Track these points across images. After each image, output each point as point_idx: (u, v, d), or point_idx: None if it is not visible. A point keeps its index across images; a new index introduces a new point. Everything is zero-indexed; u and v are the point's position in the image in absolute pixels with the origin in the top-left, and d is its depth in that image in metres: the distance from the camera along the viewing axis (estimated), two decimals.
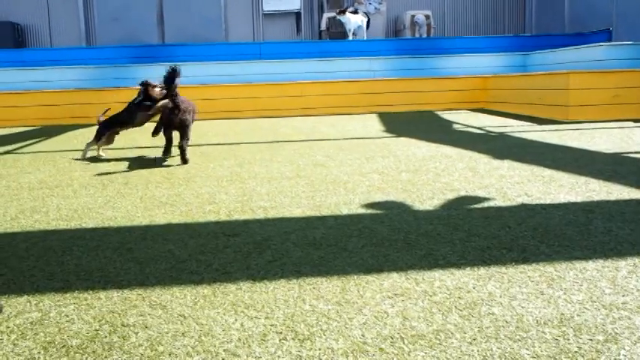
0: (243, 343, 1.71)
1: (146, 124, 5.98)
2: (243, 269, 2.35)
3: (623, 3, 12.14)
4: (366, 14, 14.34)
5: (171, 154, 5.54)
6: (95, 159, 5.67)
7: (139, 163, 5.34)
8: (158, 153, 5.76)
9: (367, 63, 12.07)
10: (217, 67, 11.81)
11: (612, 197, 3.41)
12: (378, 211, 3.25)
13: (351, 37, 13.61)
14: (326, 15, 15.42)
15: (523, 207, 3.24)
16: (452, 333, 1.73)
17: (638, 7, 12.06)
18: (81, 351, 1.69)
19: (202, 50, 13.03)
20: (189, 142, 5.35)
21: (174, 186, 4.17)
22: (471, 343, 1.66)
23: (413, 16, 15.61)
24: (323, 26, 15.44)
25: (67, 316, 1.93)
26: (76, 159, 5.73)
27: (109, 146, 6.07)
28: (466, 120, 8.95)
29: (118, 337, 1.78)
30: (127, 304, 2.02)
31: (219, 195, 3.82)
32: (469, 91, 11.47)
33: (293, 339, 1.73)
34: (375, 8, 15.73)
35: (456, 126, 8.18)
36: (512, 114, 9.68)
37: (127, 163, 5.33)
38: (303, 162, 5.10)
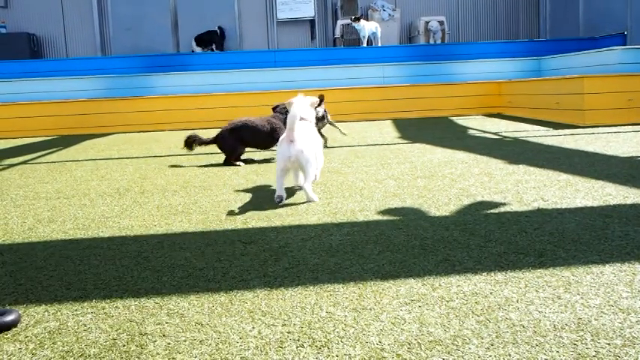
0: (261, 351, 1.71)
1: None
2: (260, 277, 2.35)
3: (638, 7, 12.04)
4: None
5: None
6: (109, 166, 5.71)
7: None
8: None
9: (381, 70, 12.08)
10: (233, 76, 11.86)
11: (629, 201, 3.38)
12: (394, 218, 3.24)
13: (365, 44, 13.63)
14: (340, 22, 15.45)
15: (539, 212, 3.23)
16: (469, 338, 1.73)
17: None
18: None
19: (217, 58, 13.09)
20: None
21: (190, 194, 4.20)
22: (488, 349, 1.66)
23: (427, 22, 15.60)
24: (337, 33, 15.47)
25: (85, 326, 1.95)
26: None
27: None
28: (481, 125, 8.92)
29: (136, 345, 1.79)
30: (145, 312, 2.04)
31: (235, 203, 3.84)
32: (484, 97, 11.44)
33: (310, 346, 1.73)
34: (389, 15, 15.75)
35: (471, 131, 8.16)
36: (527, 119, 9.64)
37: (144, 172, 5.36)
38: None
